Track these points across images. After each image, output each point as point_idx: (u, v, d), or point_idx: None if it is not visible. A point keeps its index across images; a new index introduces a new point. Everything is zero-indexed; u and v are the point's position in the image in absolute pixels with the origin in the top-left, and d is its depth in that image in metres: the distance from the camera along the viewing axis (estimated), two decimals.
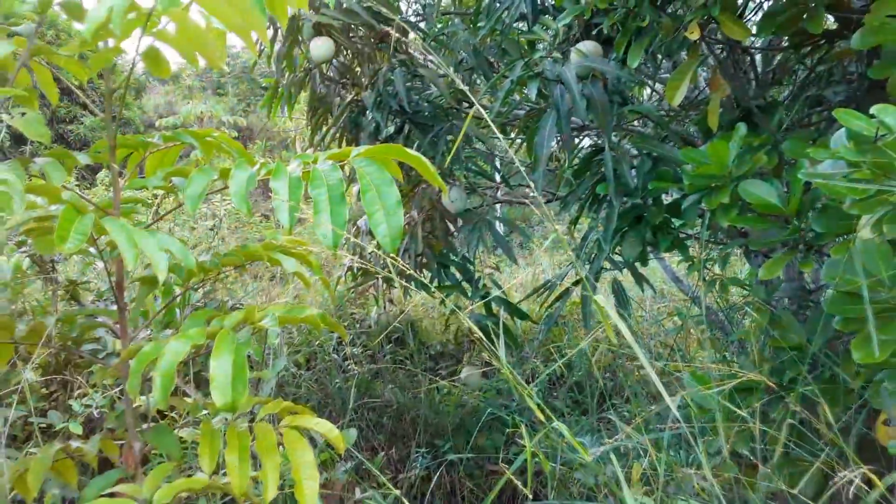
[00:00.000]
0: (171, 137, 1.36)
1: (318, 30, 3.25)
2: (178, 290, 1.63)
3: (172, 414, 2.15)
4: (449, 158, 2.73)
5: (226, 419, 1.31)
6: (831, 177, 1.28)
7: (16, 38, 1.20)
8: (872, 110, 1.21)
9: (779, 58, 2.23)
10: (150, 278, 1.37)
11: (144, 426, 1.51)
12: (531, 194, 2.99)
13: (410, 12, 4.22)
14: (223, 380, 1.04)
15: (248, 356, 2.97)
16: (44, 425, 2.43)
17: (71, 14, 1.12)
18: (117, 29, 1.00)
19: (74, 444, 1.39)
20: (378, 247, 4.00)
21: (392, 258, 1.13)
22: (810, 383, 1.78)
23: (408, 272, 3.77)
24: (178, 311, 2.98)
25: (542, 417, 0.99)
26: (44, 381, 2.50)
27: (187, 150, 1.49)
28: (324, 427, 1.30)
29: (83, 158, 1.19)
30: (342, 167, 1.17)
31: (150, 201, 1.49)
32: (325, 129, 3.61)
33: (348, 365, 4.40)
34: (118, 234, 0.97)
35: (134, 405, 1.36)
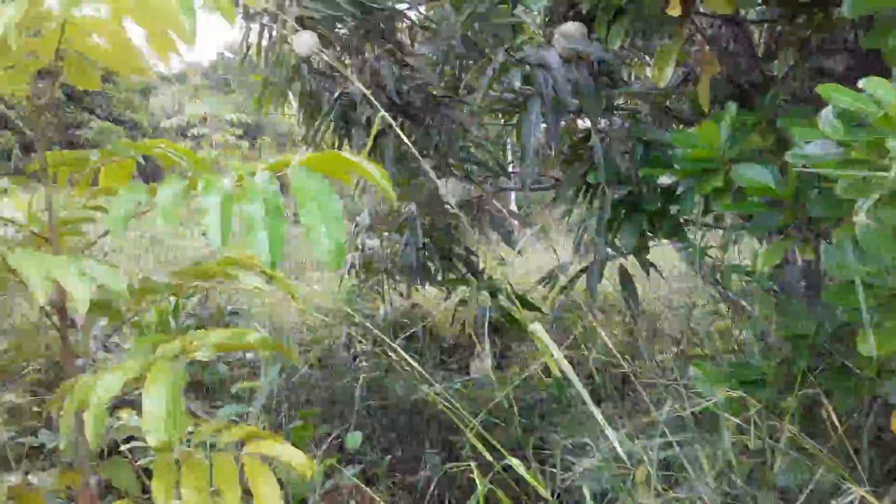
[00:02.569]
0: (110, 152, 1.28)
1: (302, 23, 3.16)
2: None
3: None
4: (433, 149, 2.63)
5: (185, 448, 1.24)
6: (821, 158, 1.17)
7: None
8: (861, 83, 1.10)
9: (777, 30, 2.10)
10: (99, 303, 1.30)
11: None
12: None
13: None
14: (157, 417, 0.97)
15: (250, 362, 2.89)
16: (36, 444, 2.39)
17: None
18: (13, 43, 0.92)
19: (32, 477, 1.32)
20: (381, 241, 3.90)
21: None
22: (819, 375, 1.67)
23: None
24: (171, 320, 2.94)
25: (488, 456, 0.91)
26: (36, 400, 2.46)
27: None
28: (289, 453, 1.22)
29: (2, 183, 1.12)
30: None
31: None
32: (317, 123, 3.52)
33: (359, 363, 4.33)
34: (26, 269, 0.89)
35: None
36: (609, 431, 0.97)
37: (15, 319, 2.83)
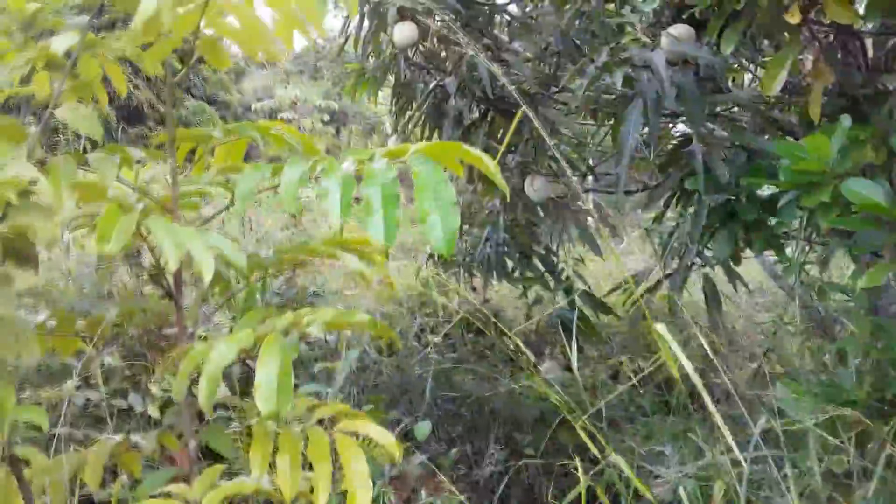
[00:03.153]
0: (232, 131, 1.33)
1: (403, 14, 3.20)
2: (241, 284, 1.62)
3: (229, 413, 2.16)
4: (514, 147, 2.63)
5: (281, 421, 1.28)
6: None
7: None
8: None
9: (892, 42, 2.03)
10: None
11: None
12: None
13: None
14: (268, 387, 1.01)
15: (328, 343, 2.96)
16: (125, 407, 2.51)
17: (123, 6, 1.10)
18: (167, 22, 0.97)
19: (134, 438, 1.39)
20: (460, 235, 3.93)
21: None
22: None
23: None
24: (258, 297, 3.02)
25: (595, 451, 0.91)
26: (127, 364, 2.57)
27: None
28: (379, 433, 1.25)
29: (137, 153, 1.18)
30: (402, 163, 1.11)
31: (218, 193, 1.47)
32: (408, 114, 3.57)
33: (429, 353, 4.37)
34: (161, 235, 0.94)
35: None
36: (731, 443, 0.96)
37: (112, 286, 2.97)
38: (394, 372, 4.19)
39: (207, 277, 0.98)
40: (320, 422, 1.32)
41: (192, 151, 1.51)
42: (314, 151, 1.38)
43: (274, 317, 1.17)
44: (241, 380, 2.64)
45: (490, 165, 1.07)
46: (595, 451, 0.97)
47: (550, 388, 3.71)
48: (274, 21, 1.21)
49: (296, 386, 2.82)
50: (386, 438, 1.26)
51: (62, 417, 1.99)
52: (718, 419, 0.90)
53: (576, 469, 1.53)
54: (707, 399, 0.87)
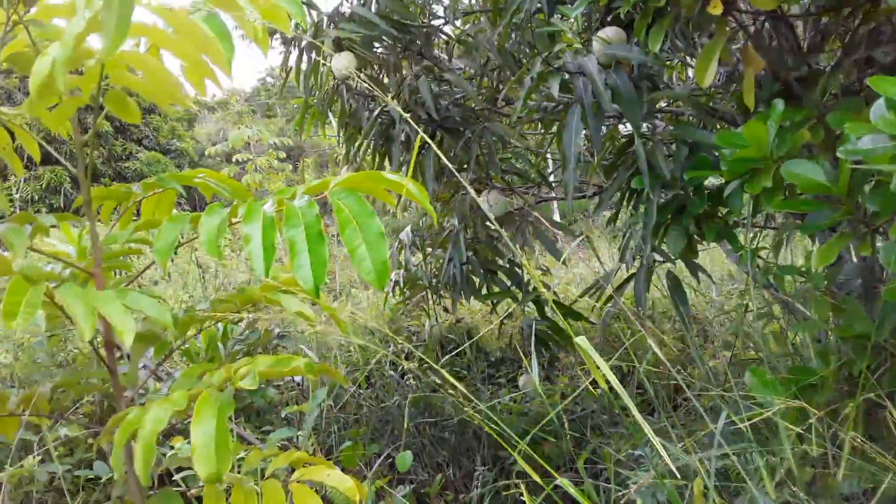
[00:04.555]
0: (152, 185, 1.29)
1: (340, 45, 3.18)
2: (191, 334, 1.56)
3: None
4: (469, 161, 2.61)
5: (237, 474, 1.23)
6: (873, 153, 1.12)
7: None
8: None
9: (823, 22, 2.04)
10: (145, 334, 1.30)
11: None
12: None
13: (439, 11, 4.10)
14: (206, 448, 0.96)
15: (299, 384, 2.90)
16: (93, 476, 2.42)
17: (20, 69, 1.06)
18: (60, 83, 0.93)
19: None
20: (424, 257, 3.90)
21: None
22: (880, 377, 1.60)
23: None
24: (220, 345, 2.96)
25: (536, 477, 0.88)
26: (90, 432, 2.49)
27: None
28: (336, 479, 1.21)
29: (49, 220, 1.13)
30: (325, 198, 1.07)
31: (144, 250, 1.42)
32: (357, 143, 3.54)
33: (407, 380, 4.32)
34: (72, 304, 0.89)
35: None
36: (659, 447, 0.93)
37: (69, 352, 2.89)
38: (373, 404, 4.13)
39: (128, 340, 0.94)
40: (292, 470, 1.28)
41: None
42: (243, 194, 1.34)
43: (211, 372, 1.12)
44: None
45: (413, 191, 1.04)
46: (537, 478, 0.93)
47: (528, 402, 3.67)
48: (183, 69, 1.18)
49: (267, 433, 2.75)
50: (344, 483, 1.21)
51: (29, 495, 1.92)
52: (648, 430, 0.87)
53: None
54: (635, 412, 0.84)
